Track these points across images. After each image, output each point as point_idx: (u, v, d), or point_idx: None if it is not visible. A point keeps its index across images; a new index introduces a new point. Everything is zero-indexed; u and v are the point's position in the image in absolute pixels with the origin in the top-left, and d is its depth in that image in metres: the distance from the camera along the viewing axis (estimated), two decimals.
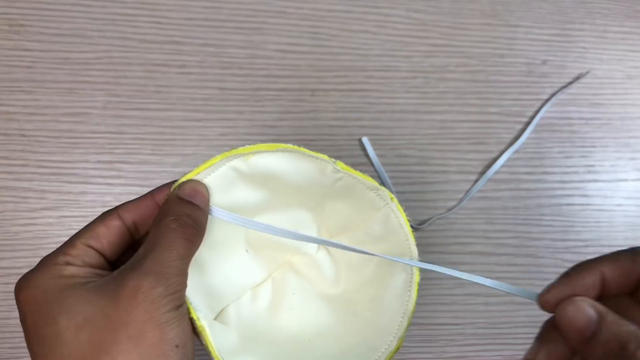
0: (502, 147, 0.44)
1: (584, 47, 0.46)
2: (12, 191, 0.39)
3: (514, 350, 0.42)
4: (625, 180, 0.45)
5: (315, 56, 0.42)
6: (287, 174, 0.27)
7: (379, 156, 0.42)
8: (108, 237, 0.24)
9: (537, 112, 0.44)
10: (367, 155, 0.42)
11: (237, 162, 0.26)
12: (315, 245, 0.33)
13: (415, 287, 0.29)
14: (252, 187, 0.28)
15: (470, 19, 0.44)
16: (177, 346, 0.21)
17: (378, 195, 0.29)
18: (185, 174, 0.26)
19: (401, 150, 0.42)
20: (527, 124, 0.44)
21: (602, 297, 0.21)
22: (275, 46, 0.42)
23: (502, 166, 0.43)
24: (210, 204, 0.26)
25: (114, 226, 0.24)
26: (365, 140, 0.42)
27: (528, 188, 0.44)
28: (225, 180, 0.26)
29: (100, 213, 0.39)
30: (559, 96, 0.45)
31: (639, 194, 0.45)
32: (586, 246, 0.44)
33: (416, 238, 0.41)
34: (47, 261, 0.23)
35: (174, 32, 0.41)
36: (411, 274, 0.29)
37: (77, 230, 0.25)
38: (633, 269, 0.21)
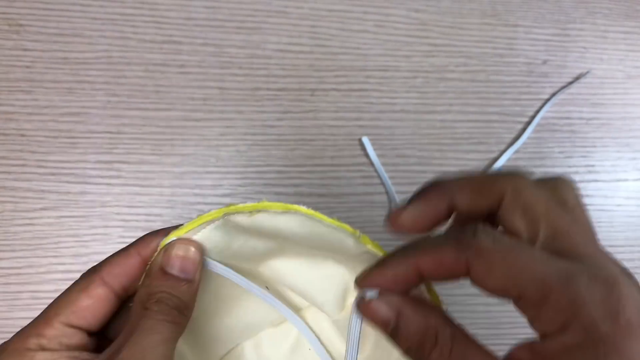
0: (502, 147, 0.44)
1: (584, 47, 0.46)
2: (11, 191, 0.39)
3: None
4: (626, 180, 0.45)
5: (315, 56, 0.42)
6: (299, 236, 0.24)
7: (379, 156, 0.42)
8: (92, 309, 0.21)
9: (537, 112, 0.44)
10: (367, 155, 0.42)
11: (239, 218, 0.23)
12: (337, 306, 0.26)
13: None
14: (258, 238, 0.24)
15: (470, 18, 0.44)
16: None
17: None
18: (176, 227, 0.22)
19: (401, 150, 0.42)
20: (528, 123, 0.44)
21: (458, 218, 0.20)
22: (275, 46, 0.42)
23: (503, 166, 0.43)
24: (205, 257, 0.23)
25: (99, 295, 0.21)
26: (365, 140, 0.41)
27: None
28: (225, 231, 0.23)
29: (99, 213, 0.39)
30: (559, 96, 0.44)
31: (639, 194, 0.45)
32: None
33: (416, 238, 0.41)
34: (17, 344, 0.19)
35: (174, 32, 0.41)
36: None
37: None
38: (489, 194, 0.18)
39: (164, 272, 0.21)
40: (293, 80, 0.42)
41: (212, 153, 0.41)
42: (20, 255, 0.39)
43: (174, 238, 0.22)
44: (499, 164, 0.43)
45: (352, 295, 0.25)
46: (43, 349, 0.19)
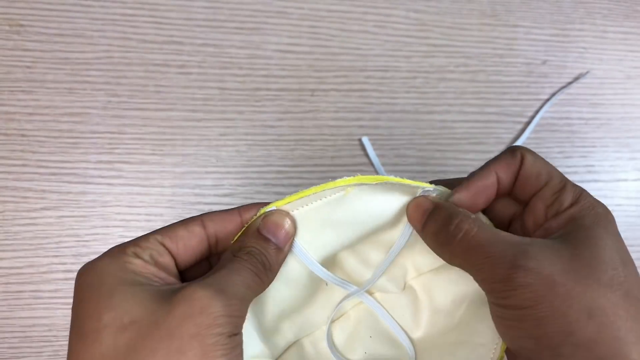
0: (501, 147, 0.44)
1: (583, 47, 0.46)
2: (13, 191, 0.39)
3: None
4: (625, 180, 0.45)
5: (315, 56, 0.42)
6: (380, 209, 0.26)
7: (379, 156, 0.42)
8: (186, 240, 0.23)
9: (536, 112, 0.44)
10: (367, 155, 0.42)
11: (337, 197, 0.24)
12: (400, 285, 0.30)
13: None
14: (346, 222, 0.26)
15: (469, 19, 0.44)
16: None
17: None
18: (277, 199, 0.24)
19: (401, 150, 0.42)
20: (527, 124, 0.44)
21: (498, 195, 0.25)
22: (275, 46, 0.42)
23: None
24: (295, 239, 0.25)
25: (195, 232, 0.23)
26: (365, 140, 0.42)
27: None
28: (320, 216, 0.25)
29: (100, 213, 0.39)
30: (559, 96, 0.45)
31: (638, 194, 0.45)
32: None
33: None
34: (115, 249, 0.21)
35: (174, 32, 0.41)
36: None
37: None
38: (514, 162, 0.25)
39: (259, 232, 0.23)
40: (293, 80, 0.42)
41: (213, 153, 0.41)
42: (21, 255, 0.39)
43: (274, 208, 0.24)
44: None
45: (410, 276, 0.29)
46: (137, 256, 0.21)
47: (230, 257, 0.22)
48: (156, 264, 0.22)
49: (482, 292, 0.23)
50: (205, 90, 0.41)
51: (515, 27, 0.45)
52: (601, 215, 0.23)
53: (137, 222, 0.40)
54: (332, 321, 0.30)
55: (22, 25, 0.40)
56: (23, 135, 0.39)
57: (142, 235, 0.22)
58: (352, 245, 0.28)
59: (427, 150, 0.43)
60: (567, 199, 0.24)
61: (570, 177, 0.44)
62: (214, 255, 0.25)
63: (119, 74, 0.40)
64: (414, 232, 0.26)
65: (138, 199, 0.40)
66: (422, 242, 0.27)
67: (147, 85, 0.40)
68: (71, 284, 0.39)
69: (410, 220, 0.25)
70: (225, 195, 0.40)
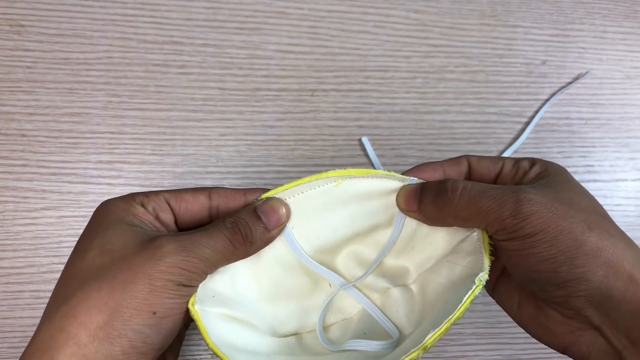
0: (501, 147, 0.44)
1: (583, 48, 0.46)
2: (13, 191, 0.39)
3: (513, 350, 0.42)
4: (625, 180, 0.45)
5: (314, 56, 0.42)
6: (374, 200, 0.28)
7: (379, 156, 0.42)
8: (189, 204, 0.26)
9: (536, 112, 0.44)
10: (366, 155, 0.42)
11: (328, 187, 0.26)
12: (400, 281, 0.32)
13: (469, 298, 0.25)
14: (337, 212, 0.28)
15: (469, 19, 0.44)
16: (154, 313, 0.22)
17: None
18: (276, 186, 0.27)
19: (401, 150, 0.43)
20: (527, 124, 0.44)
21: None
22: (275, 46, 0.42)
23: None
24: (288, 227, 0.27)
25: (200, 199, 0.26)
26: (365, 140, 0.42)
27: None
28: (312, 203, 0.27)
29: None
30: (558, 96, 0.45)
31: (638, 194, 0.45)
32: None
33: None
34: (128, 195, 0.25)
35: (174, 33, 0.41)
36: (473, 286, 0.26)
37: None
38: (458, 166, 0.29)
39: (254, 210, 0.26)
40: (293, 80, 0.42)
41: (213, 153, 0.41)
42: (21, 255, 0.39)
43: (273, 196, 0.27)
44: None
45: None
46: (142, 205, 0.25)
47: (217, 221, 0.25)
48: (157, 216, 0.25)
49: (466, 275, 0.26)
50: (206, 90, 0.41)
51: (514, 27, 0.45)
52: (559, 167, 0.28)
53: None
54: (335, 323, 0.31)
55: (22, 26, 0.40)
56: (23, 135, 0.39)
57: (155, 191, 0.26)
58: (347, 243, 0.29)
59: (426, 150, 0.43)
60: (526, 163, 0.28)
61: None
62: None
63: (119, 74, 0.40)
64: (409, 228, 0.28)
65: None
66: (420, 239, 0.29)
67: (148, 85, 0.40)
68: None
69: (403, 206, 0.27)
70: None
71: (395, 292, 0.31)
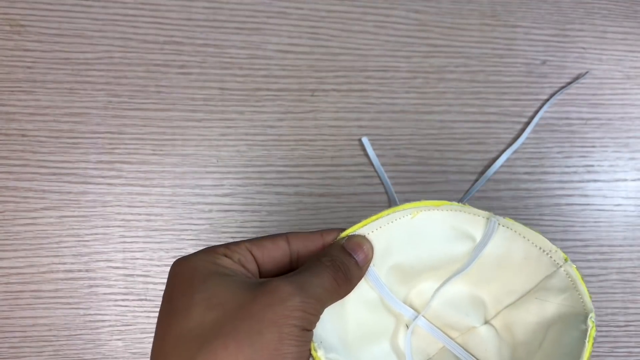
0: (501, 147, 0.44)
1: (583, 48, 0.46)
2: (13, 191, 0.39)
3: None
4: (625, 180, 0.45)
5: (315, 56, 0.42)
6: (446, 234, 0.27)
7: (379, 156, 0.42)
8: (271, 252, 0.25)
9: (536, 112, 0.44)
10: (366, 155, 0.42)
11: (404, 220, 0.26)
12: (481, 318, 0.30)
13: (590, 341, 0.25)
14: (413, 246, 0.28)
15: (469, 19, 0.44)
16: None
17: (550, 257, 0.27)
18: (354, 223, 0.27)
19: (401, 150, 0.43)
20: (527, 124, 0.44)
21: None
22: (275, 46, 0.42)
23: (502, 166, 0.43)
24: (371, 265, 0.27)
25: (280, 245, 0.25)
26: (365, 140, 0.42)
27: (527, 188, 0.44)
28: (390, 238, 0.27)
29: (100, 213, 0.39)
30: (558, 96, 0.45)
31: (638, 194, 0.45)
32: (586, 246, 0.44)
33: None
34: (208, 248, 0.24)
35: (175, 33, 0.41)
36: (587, 328, 0.25)
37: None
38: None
39: (342, 247, 0.26)
40: (293, 80, 0.42)
41: (213, 153, 0.41)
42: (21, 255, 0.39)
43: (354, 233, 0.27)
44: (497, 164, 0.43)
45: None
46: (227, 257, 0.24)
47: (315, 260, 0.24)
48: (242, 266, 0.24)
49: (564, 313, 0.25)
50: (206, 90, 0.41)
51: (514, 27, 0.45)
52: None
53: (138, 222, 0.40)
54: None
55: (22, 26, 0.40)
56: (23, 136, 0.39)
57: (233, 241, 0.25)
58: (423, 277, 0.29)
59: (426, 150, 0.43)
60: None
61: (570, 177, 0.44)
62: (295, 270, 0.26)
63: (120, 74, 0.40)
64: (487, 259, 0.27)
65: (138, 199, 0.40)
66: (501, 273, 0.28)
67: (148, 85, 0.40)
68: (71, 284, 0.39)
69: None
70: (225, 195, 0.41)
71: (481, 329, 0.30)
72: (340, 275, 0.24)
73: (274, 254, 0.25)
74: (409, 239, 0.27)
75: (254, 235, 0.41)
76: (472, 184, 0.43)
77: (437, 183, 0.43)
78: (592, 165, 0.45)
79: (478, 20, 0.45)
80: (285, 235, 0.26)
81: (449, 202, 0.26)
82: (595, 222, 0.44)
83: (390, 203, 0.42)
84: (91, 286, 0.39)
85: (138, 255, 0.40)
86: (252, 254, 0.24)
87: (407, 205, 0.26)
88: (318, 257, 0.25)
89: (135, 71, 0.40)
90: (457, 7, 0.44)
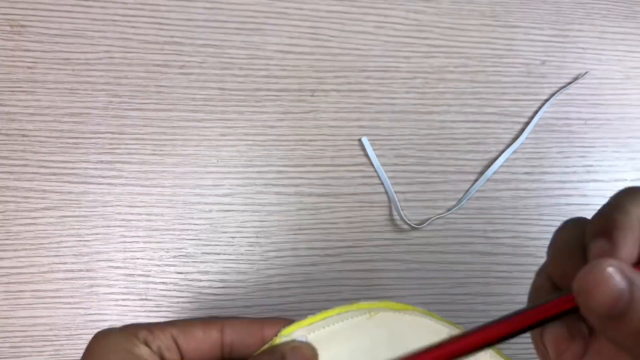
0: (501, 147, 0.44)
1: (582, 48, 0.46)
2: (13, 191, 0.39)
3: (513, 350, 0.42)
4: (624, 180, 0.45)
5: (315, 57, 0.42)
6: (409, 339, 0.24)
7: (379, 156, 0.42)
8: (200, 343, 0.23)
9: (536, 112, 0.44)
10: (366, 155, 0.42)
11: (360, 319, 0.23)
12: None
13: None
14: (365, 349, 0.24)
15: (469, 19, 0.45)
16: None
17: None
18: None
19: (400, 151, 0.43)
20: (526, 124, 0.44)
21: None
22: (275, 47, 0.42)
23: (501, 166, 0.43)
24: None
25: (212, 337, 0.23)
26: (364, 140, 0.42)
27: (527, 188, 0.44)
28: (340, 338, 0.24)
29: (101, 213, 0.39)
30: (558, 96, 0.45)
31: None
32: None
33: (415, 238, 0.42)
34: (131, 328, 0.22)
35: (175, 33, 0.41)
36: None
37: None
38: None
39: (291, 348, 0.22)
40: (293, 81, 0.42)
41: (213, 153, 0.41)
42: (22, 255, 0.39)
43: (304, 338, 0.23)
44: (497, 164, 0.43)
45: None
46: (146, 344, 0.21)
47: None
48: (161, 358, 0.22)
49: None
50: (206, 90, 0.41)
51: (514, 27, 0.45)
52: None
53: (138, 222, 0.40)
54: None
55: (23, 26, 0.40)
56: (24, 136, 0.39)
57: (161, 325, 0.22)
58: None
59: (426, 151, 0.43)
60: None
61: (569, 177, 0.44)
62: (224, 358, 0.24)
63: (120, 75, 0.40)
64: None
65: (139, 198, 0.40)
66: None
67: (148, 85, 0.41)
68: (72, 284, 0.39)
69: (581, 304, 0.16)
70: (225, 195, 0.41)
71: None
72: None
73: (203, 346, 0.23)
74: (361, 341, 0.24)
75: (254, 235, 0.41)
76: (472, 184, 0.43)
77: (437, 183, 0.43)
78: (592, 165, 0.45)
79: (478, 21, 0.45)
80: (220, 323, 0.23)
81: (413, 307, 0.23)
82: None
83: (390, 203, 0.42)
84: (92, 286, 0.39)
85: (138, 255, 0.40)
86: (177, 343, 0.22)
87: (364, 304, 0.23)
88: (261, 354, 0.22)
89: (136, 71, 0.41)
90: (457, 7, 0.44)
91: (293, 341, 0.23)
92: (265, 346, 0.23)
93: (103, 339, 0.22)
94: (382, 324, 0.23)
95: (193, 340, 0.22)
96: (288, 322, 0.24)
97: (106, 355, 0.21)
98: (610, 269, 0.15)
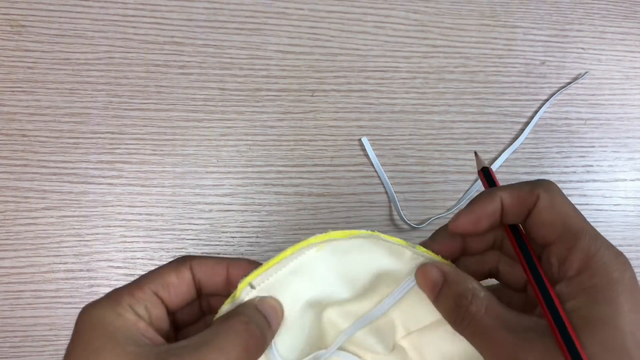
0: (500, 147, 0.44)
1: (582, 48, 0.46)
2: (14, 191, 0.39)
3: None
4: (624, 180, 0.45)
5: (314, 57, 0.42)
6: (360, 263, 0.26)
7: (379, 156, 0.42)
8: (177, 287, 0.23)
9: (535, 112, 0.44)
10: (366, 156, 0.42)
11: (310, 253, 0.24)
12: (389, 344, 0.28)
13: None
14: (324, 279, 0.26)
15: (469, 19, 0.45)
16: None
17: None
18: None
19: (400, 151, 0.43)
20: (526, 124, 0.44)
21: (502, 222, 0.24)
22: (275, 47, 0.42)
23: (501, 166, 0.43)
24: (274, 338, 0.24)
25: (185, 278, 0.24)
26: (364, 140, 0.42)
27: None
28: (298, 275, 0.25)
29: (101, 213, 0.39)
30: (558, 96, 0.45)
31: (637, 193, 0.45)
32: None
33: (415, 238, 0.42)
34: (115, 295, 0.22)
35: (175, 33, 0.41)
36: None
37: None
38: (529, 198, 0.23)
39: (255, 307, 0.23)
40: (293, 81, 0.42)
41: (213, 153, 0.41)
42: (22, 255, 0.39)
43: (262, 274, 0.24)
44: (497, 164, 0.43)
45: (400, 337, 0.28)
46: (132, 309, 0.22)
47: (225, 324, 0.22)
48: (150, 316, 0.22)
49: (471, 352, 0.23)
50: (206, 90, 0.41)
51: (514, 27, 0.45)
52: (616, 283, 0.20)
53: (138, 222, 0.40)
54: None
55: (23, 26, 0.40)
56: (24, 136, 0.39)
57: (137, 284, 0.23)
58: (335, 302, 0.27)
59: (426, 151, 0.43)
60: (575, 261, 0.21)
61: (569, 177, 0.44)
62: (201, 296, 0.25)
63: (120, 75, 0.40)
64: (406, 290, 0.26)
65: (139, 198, 0.40)
66: (411, 298, 0.26)
67: (148, 85, 0.41)
68: (72, 284, 0.39)
69: (421, 288, 0.25)
70: (225, 195, 0.41)
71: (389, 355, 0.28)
72: (253, 343, 0.22)
73: (180, 289, 0.23)
74: (312, 276, 0.25)
75: (254, 235, 0.41)
76: (472, 184, 0.43)
77: (437, 183, 0.43)
78: (591, 165, 0.45)
79: (477, 21, 0.45)
80: (188, 264, 0.24)
81: (356, 231, 0.24)
82: (594, 222, 0.44)
83: (390, 203, 0.42)
84: (92, 286, 0.39)
85: (139, 255, 0.40)
86: (158, 296, 0.23)
87: (311, 239, 0.24)
88: (230, 316, 0.22)
89: (136, 71, 0.41)
90: (457, 7, 0.44)
91: (255, 298, 0.24)
92: (228, 300, 0.23)
93: (88, 315, 0.22)
94: (331, 254, 0.25)
95: (172, 288, 0.23)
96: (250, 262, 0.25)
97: (92, 332, 0.21)
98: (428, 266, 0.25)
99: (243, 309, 0.23)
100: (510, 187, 0.24)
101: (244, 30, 0.42)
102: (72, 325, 0.20)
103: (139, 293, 0.22)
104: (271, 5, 0.42)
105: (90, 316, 0.22)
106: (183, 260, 0.24)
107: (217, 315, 0.23)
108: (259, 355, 0.23)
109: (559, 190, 0.23)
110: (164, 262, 0.24)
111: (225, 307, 0.23)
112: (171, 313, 0.24)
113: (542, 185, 0.23)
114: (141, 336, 0.21)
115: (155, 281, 0.23)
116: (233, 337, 0.21)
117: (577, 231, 0.22)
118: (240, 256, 0.40)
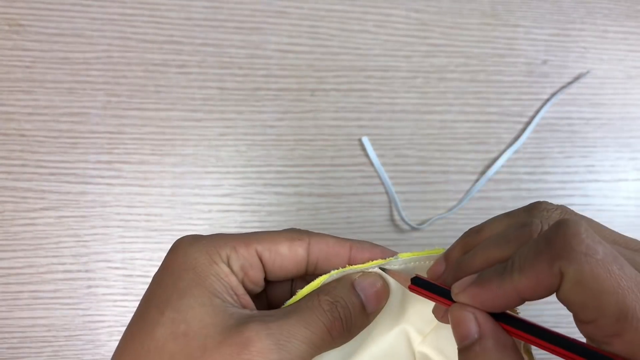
0: (502, 147, 0.44)
1: (584, 47, 0.46)
2: (12, 191, 0.39)
3: None
4: (626, 180, 0.45)
5: (315, 56, 0.42)
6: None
7: (379, 156, 0.42)
8: (285, 260, 0.22)
9: (537, 112, 0.44)
10: (367, 155, 0.42)
11: (396, 267, 0.23)
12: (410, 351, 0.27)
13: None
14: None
15: (470, 18, 0.44)
16: None
17: None
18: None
19: (401, 150, 0.42)
20: (528, 124, 0.44)
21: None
22: (275, 46, 0.42)
23: (503, 166, 0.43)
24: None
25: (298, 254, 0.22)
26: (365, 140, 0.41)
27: (528, 188, 0.43)
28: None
29: (100, 213, 0.39)
30: (559, 96, 0.44)
31: (638, 194, 0.45)
32: None
33: (416, 238, 0.41)
34: (217, 241, 0.21)
35: (174, 32, 0.41)
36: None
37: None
38: (549, 280, 0.16)
39: (353, 287, 0.21)
40: (293, 80, 0.42)
41: (212, 153, 0.41)
42: (20, 255, 0.39)
43: (382, 264, 0.22)
44: (498, 164, 0.43)
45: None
46: (228, 263, 0.21)
47: (312, 301, 0.21)
48: (244, 275, 0.21)
49: None
50: (205, 90, 0.41)
51: (515, 26, 0.45)
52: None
53: (137, 222, 0.39)
54: None
55: (21, 25, 0.40)
56: (22, 135, 0.39)
57: (245, 239, 0.21)
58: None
59: (427, 150, 0.43)
60: (624, 352, 0.15)
61: (571, 177, 0.44)
62: (308, 274, 0.23)
63: (119, 74, 0.40)
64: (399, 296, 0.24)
65: (137, 199, 0.40)
66: (414, 302, 0.25)
67: (147, 85, 0.40)
68: (71, 284, 0.39)
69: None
70: (225, 195, 0.40)
71: None
72: (337, 325, 0.20)
73: (287, 263, 0.22)
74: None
75: None
76: (473, 184, 0.43)
77: (438, 183, 0.43)
78: (593, 165, 0.45)
79: (479, 20, 0.44)
80: (307, 240, 0.22)
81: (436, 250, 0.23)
82: None
83: (391, 203, 0.42)
84: (90, 286, 0.39)
85: (137, 255, 0.39)
86: (262, 260, 0.22)
87: (429, 251, 0.22)
88: (319, 292, 0.21)
89: (134, 71, 0.40)
90: (458, 6, 0.44)
91: (355, 273, 0.22)
92: (334, 273, 0.22)
93: (183, 252, 0.21)
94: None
95: (278, 258, 0.22)
96: (375, 246, 0.23)
97: (183, 271, 0.20)
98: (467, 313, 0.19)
99: (335, 286, 0.21)
100: (522, 262, 0.17)
101: (243, 29, 0.42)
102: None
103: (243, 249, 0.21)
104: (271, 3, 0.42)
105: (186, 254, 0.21)
106: (300, 235, 0.22)
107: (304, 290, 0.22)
108: (346, 340, 0.21)
109: (588, 257, 0.16)
110: None
111: (325, 278, 0.22)
112: (267, 283, 0.23)
113: (565, 256, 0.16)
114: (230, 291, 0.20)
115: (265, 244, 0.22)
116: (317, 316, 0.20)
117: (618, 318, 0.15)
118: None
